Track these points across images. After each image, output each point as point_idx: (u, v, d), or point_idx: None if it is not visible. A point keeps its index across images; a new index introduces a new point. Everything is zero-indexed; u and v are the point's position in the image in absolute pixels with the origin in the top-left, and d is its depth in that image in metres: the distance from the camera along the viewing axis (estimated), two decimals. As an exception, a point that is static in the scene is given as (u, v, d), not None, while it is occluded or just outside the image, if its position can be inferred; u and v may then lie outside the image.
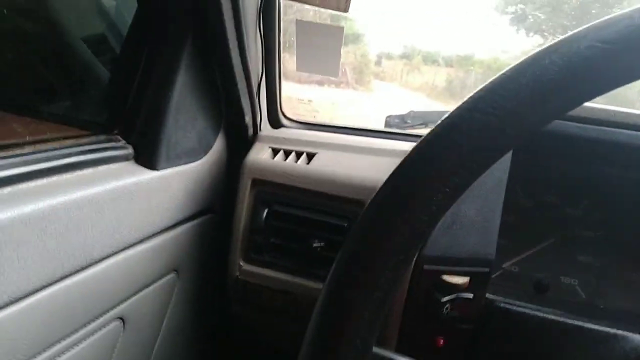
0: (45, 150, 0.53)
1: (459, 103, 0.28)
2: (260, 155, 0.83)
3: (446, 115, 0.27)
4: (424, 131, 1.11)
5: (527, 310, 0.63)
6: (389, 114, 1.25)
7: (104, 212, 0.56)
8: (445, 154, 0.26)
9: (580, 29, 0.25)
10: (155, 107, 0.67)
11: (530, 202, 0.78)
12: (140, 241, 0.65)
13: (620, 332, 0.60)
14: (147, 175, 0.64)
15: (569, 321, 0.61)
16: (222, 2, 0.64)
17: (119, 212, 0.59)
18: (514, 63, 0.26)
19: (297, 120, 1.05)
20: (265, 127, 0.96)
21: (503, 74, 0.26)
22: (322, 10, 0.81)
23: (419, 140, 0.28)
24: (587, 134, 0.68)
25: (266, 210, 0.79)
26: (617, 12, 0.24)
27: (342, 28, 0.84)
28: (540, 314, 0.62)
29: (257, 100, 0.85)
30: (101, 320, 0.61)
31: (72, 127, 0.67)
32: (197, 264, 0.81)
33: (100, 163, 0.60)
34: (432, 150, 0.27)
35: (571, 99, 0.25)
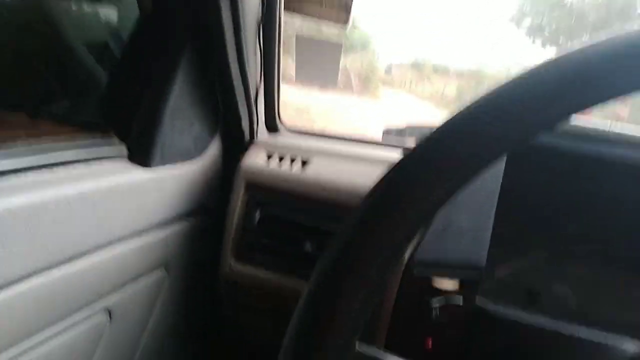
0: (40, 146, 0.55)
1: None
2: (255, 159, 0.85)
3: (444, 121, 0.28)
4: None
5: (517, 317, 0.64)
6: (386, 127, 1.27)
7: (94, 208, 0.58)
8: (439, 158, 0.26)
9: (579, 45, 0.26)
10: (151, 109, 0.69)
11: (523, 215, 0.79)
12: (130, 236, 0.67)
13: (612, 341, 0.60)
14: (140, 173, 0.66)
15: (561, 329, 0.62)
16: (223, 15, 0.67)
17: (109, 208, 0.61)
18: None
19: (294, 127, 1.07)
20: (262, 133, 0.99)
21: (501, 85, 0.27)
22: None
23: (415, 144, 0.28)
24: (580, 150, 0.69)
25: (258, 212, 0.81)
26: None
27: (341, 45, 0.86)
28: (531, 321, 0.63)
29: (254, 107, 0.87)
30: (87, 310, 0.63)
31: (69, 126, 0.70)
32: (187, 261, 0.83)
33: (93, 160, 0.62)
34: (426, 154, 0.27)
35: (562, 111, 0.26)
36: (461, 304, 0.64)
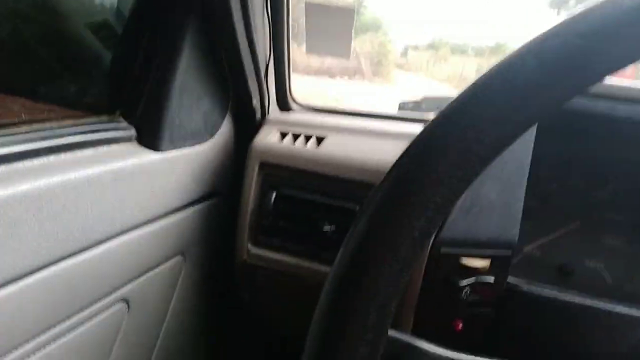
0: (44, 130, 0.53)
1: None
2: (268, 138, 0.81)
3: (454, 98, 0.26)
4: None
5: (550, 294, 0.61)
6: (402, 101, 1.22)
7: (104, 193, 0.56)
8: (458, 135, 0.24)
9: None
10: (158, 87, 0.66)
11: (554, 185, 0.74)
12: (144, 223, 0.64)
13: None
14: (150, 156, 0.63)
15: (596, 305, 0.59)
16: None
17: (120, 193, 0.58)
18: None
19: (307, 104, 1.03)
20: (274, 111, 0.95)
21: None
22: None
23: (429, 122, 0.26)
24: (615, 112, 0.64)
25: (274, 194, 0.78)
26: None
27: (353, 9, 0.81)
28: (565, 298, 0.60)
29: (265, 83, 0.83)
30: (105, 301, 0.61)
31: (75, 109, 0.67)
32: (204, 247, 0.80)
33: (100, 144, 0.59)
34: (446, 129, 0.25)
35: (557, 95, 0.23)
36: (492, 282, 0.60)
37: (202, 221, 0.78)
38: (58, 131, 0.54)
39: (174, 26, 0.67)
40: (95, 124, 0.60)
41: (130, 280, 0.65)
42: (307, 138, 0.82)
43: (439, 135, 0.25)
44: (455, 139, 0.24)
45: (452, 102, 0.26)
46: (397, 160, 0.26)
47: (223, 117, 0.79)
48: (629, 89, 0.65)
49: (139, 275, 0.66)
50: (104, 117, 0.63)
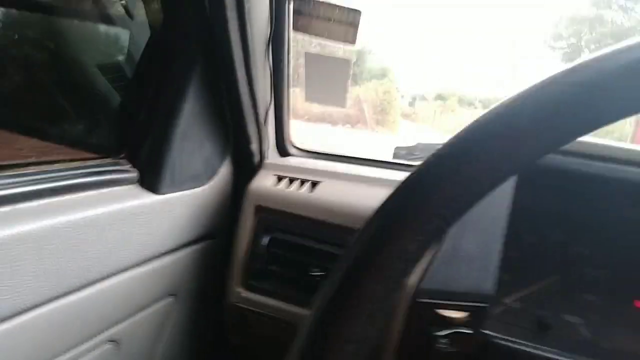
0: (50, 171, 0.55)
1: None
2: (264, 182, 0.84)
3: (441, 146, 0.27)
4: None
5: (528, 349, 0.61)
6: (397, 146, 1.25)
7: (103, 234, 0.57)
8: (440, 183, 0.26)
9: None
10: (162, 132, 0.68)
11: (534, 238, 0.76)
12: (139, 264, 0.65)
13: None
14: (150, 198, 0.65)
15: None
16: (231, 34, 0.66)
17: (119, 234, 0.60)
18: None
19: (305, 149, 1.06)
20: (273, 155, 0.97)
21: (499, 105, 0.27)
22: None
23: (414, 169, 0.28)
24: (591, 170, 0.67)
25: (268, 238, 0.79)
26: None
27: (350, 60, 0.85)
28: (542, 353, 0.60)
29: (264, 129, 0.86)
30: (95, 341, 0.61)
31: (81, 149, 0.69)
32: (195, 289, 0.81)
33: (104, 185, 0.61)
34: (428, 179, 0.27)
35: (546, 143, 0.25)
36: (469, 334, 0.61)
37: (195, 262, 0.79)
38: (64, 173, 0.56)
39: (179, 74, 0.70)
40: (100, 166, 0.63)
41: (121, 320, 0.65)
42: (302, 182, 0.84)
43: (413, 191, 0.28)
44: (424, 198, 0.26)
45: (429, 157, 0.27)
46: (376, 212, 0.28)
47: (222, 161, 0.81)
48: (603, 147, 0.68)
49: (130, 316, 0.67)
50: (109, 160, 0.65)
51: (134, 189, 0.65)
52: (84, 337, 0.59)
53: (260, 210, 0.81)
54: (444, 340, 0.60)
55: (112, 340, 0.65)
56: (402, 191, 0.29)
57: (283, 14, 0.79)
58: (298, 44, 0.87)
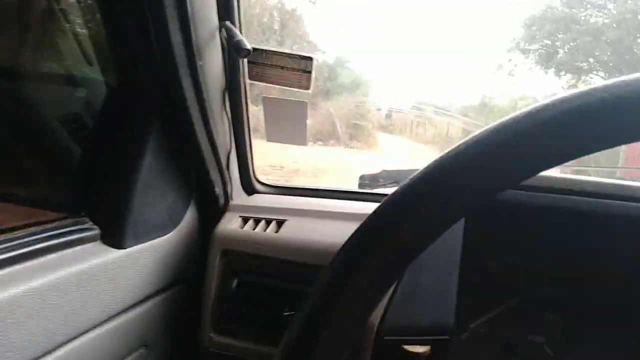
0: (6, 240, 0.55)
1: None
2: (230, 225, 0.85)
3: (405, 181, 0.30)
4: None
5: None
6: (362, 174, 1.29)
7: (68, 297, 0.58)
8: (396, 224, 0.29)
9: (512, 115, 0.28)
10: (122, 187, 0.70)
11: (493, 262, 0.80)
12: (107, 320, 0.66)
13: None
14: (114, 254, 0.66)
15: None
16: (186, 91, 0.68)
17: (84, 294, 0.60)
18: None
19: (271, 184, 1.08)
20: (239, 194, 0.99)
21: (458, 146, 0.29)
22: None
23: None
24: (536, 201, 0.71)
25: (236, 280, 0.80)
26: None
27: (306, 103, 0.88)
28: None
29: (227, 172, 0.88)
30: None
31: (40, 208, 0.70)
32: (167, 337, 0.81)
33: (65, 247, 0.61)
34: (384, 220, 0.30)
35: (505, 179, 0.28)
36: None
37: (166, 311, 0.79)
38: (22, 240, 0.57)
39: (137, 129, 0.72)
40: (60, 227, 0.63)
41: None
42: (268, 222, 0.86)
43: (372, 232, 0.31)
44: (381, 240, 0.29)
45: (386, 198, 0.31)
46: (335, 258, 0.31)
47: (186, 208, 0.83)
48: (551, 179, 0.72)
49: None
50: (69, 220, 0.66)
51: (97, 246, 0.66)
52: None
53: (227, 253, 0.82)
54: None
55: None
56: (360, 234, 0.31)
57: (237, 65, 0.82)
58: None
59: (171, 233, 0.78)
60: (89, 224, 0.67)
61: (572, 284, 0.75)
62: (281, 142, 0.96)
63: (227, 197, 0.92)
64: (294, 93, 0.87)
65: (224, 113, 0.84)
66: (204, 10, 0.72)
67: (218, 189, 0.87)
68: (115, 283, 0.66)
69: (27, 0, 0.82)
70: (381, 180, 1.24)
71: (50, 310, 0.55)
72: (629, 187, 0.70)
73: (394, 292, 0.65)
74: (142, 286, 0.72)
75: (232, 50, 0.74)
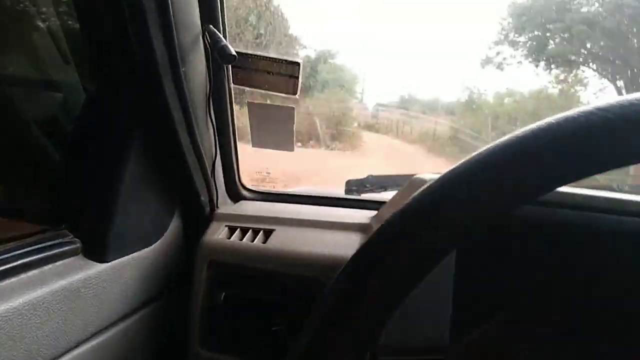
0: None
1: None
2: (216, 235, 0.83)
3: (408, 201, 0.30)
4: (383, 195, 1.13)
5: None
6: (348, 180, 1.27)
7: (49, 314, 0.55)
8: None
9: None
10: (103, 198, 0.67)
11: (485, 277, 0.78)
12: (91, 337, 0.63)
13: None
14: (96, 268, 0.63)
15: None
16: (169, 98, 0.66)
17: (67, 311, 0.58)
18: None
19: (257, 190, 1.07)
20: (225, 202, 0.97)
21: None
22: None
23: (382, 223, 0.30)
24: (533, 215, 0.70)
25: (223, 293, 0.78)
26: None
27: (293, 108, 0.87)
28: None
29: (212, 179, 0.86)
30: None
31: (19, 221, 0.67)
32: (152, 352, 0.78)
33: (46, 262, 0.59)
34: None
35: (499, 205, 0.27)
36: None
37: (151, 325, 0.77)
38: (2, 257, 0.54)
39: (119, 136, 0.69)
40: (40, 242, 0.60)
41: None
42: (256, 232, 0.84)
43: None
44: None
45: (379, 229, 0.30)
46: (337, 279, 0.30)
47: (171, 218, 0.80)
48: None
49: None
50: (49, 234, 0.63)
51: (78, 260, 0.63)
52: None
53: (213, 264, 0.80)
54: None
55: None
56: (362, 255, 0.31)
57: (221, 71, 0.80)
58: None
59: (156, 244, 0.76)
60: (69, 238, 0.64)
61: (567, 300, 0.75)
62: (267, 148, 0.94)
63: (213, 206, 0.89)
64: (279, 97, 0.85)
65: (209, 119, 0.82)
66: (187, 15, 0.69)
67: (203, 198, 0.84)
68: (99, 298, 0.63)
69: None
70: (368, 185, 1.23)
71: (32, 329, 0.53)
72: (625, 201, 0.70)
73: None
74: (126, 300, 0.69)
75: (217, 56, 0.72)
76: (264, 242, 0.81)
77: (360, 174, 1.23)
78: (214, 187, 0.88)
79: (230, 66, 0.81)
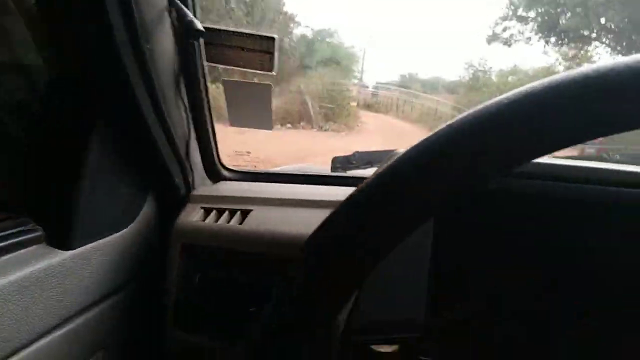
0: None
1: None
2: (191, 217, 0.81)
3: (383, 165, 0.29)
4: (369, 172, 1.11)
5: None
6: (335, 157, 1.25)
7: (10, 306, 0.54)
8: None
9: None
10: (66, 184, 0.64)
11: (463, 254, 0.77)
12: (57, 326, 0.62)
13: None
14: (60, 256, 0.61)
15: None
16: (132, 78, 0.63)
17: (29, 301, 0.56)
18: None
19: (238, 170, 1.04)
20: (204, 183, 0.94)
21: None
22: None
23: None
24: (513, 187, 0.68)
25: (198, 276, 0.77)
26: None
27: (270, 85, 0.83)
28: None
29: (186, 160, 0.83)
30: None
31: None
32: (126, 338, 0.77)
33: (4, 252, 0.56)
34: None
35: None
36: None
37: (124, 311, 0.75)
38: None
39: (82, 118, 0.66)
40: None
41: None
42: (232, 213, 0.82)
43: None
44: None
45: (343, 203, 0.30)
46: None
47: (144, 201, 0.78)
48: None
49: None
50: (8, 222, 0.61)
51: (40, 249, 0.61)
52: None
53: (188, 248, 0.78)
54: None
55: None
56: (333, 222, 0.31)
57: (193, 48, 0.75)
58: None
59: (127, 229, 0.74)
60: (31, 226, 0.62)
61: (548, 274, 0.74)
62: (245, 127, 0.91)
63: (189, 187, 0.87)
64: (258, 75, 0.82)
65: (179, 98, 0.78)
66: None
67: (177, 179, 0.82)
68: (64, 287, 0.62)
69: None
70: (354, 162, 1.20)
71: None
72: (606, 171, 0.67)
73: (360, 288, 0.62)
74: (95, 287, 0.68)
75: (184, 32, 0.68)
76: (241, 223, 0.79)
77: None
78: (189, 168, 0.85)
79: (202, 43, 0.76)
